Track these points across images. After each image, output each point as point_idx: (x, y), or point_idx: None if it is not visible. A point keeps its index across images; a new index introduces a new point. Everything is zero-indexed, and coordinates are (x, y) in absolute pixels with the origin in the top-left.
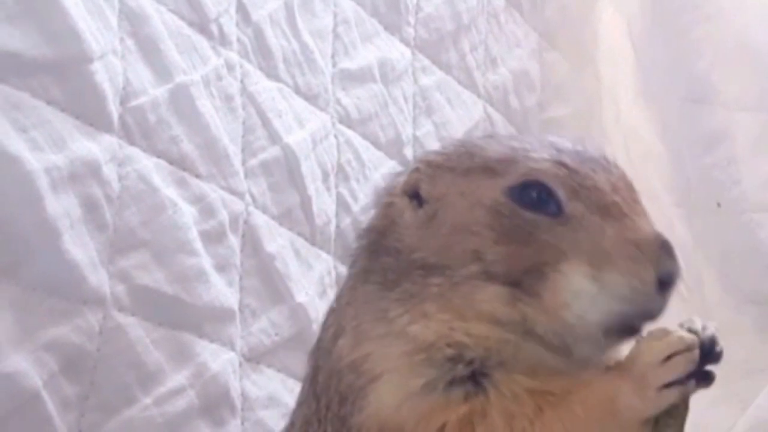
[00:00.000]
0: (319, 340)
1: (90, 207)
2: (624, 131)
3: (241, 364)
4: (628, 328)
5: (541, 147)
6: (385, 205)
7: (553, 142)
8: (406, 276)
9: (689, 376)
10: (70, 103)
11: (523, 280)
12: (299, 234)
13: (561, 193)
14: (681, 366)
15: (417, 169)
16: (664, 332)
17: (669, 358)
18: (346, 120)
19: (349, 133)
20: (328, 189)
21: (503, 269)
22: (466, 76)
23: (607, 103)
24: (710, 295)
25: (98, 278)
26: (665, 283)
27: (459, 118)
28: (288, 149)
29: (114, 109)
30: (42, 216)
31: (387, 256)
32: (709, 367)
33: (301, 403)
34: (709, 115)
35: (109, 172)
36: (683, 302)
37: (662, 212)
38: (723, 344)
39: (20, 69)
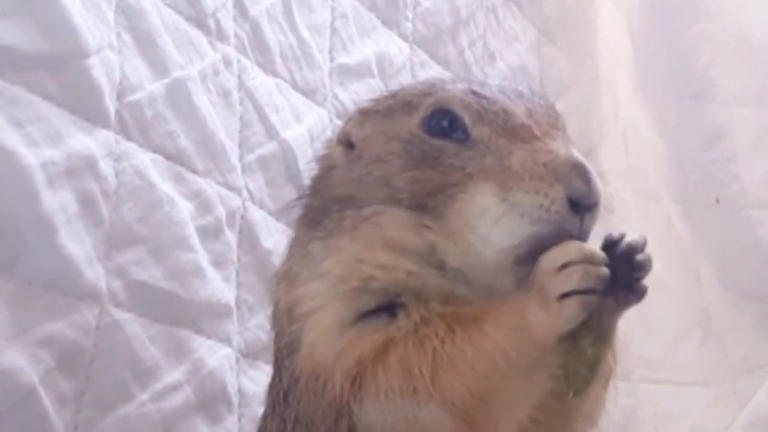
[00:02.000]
0: (269, 295)
1: (86, 202)
2: (623, 127)
3: (237, 360)
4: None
5: (462, 82)
6: (323, 156)
7: (481, 80)
8: (327, 213)
9: (592, 290)
10: (66, 98)
11: (428, 203)
12: None
13: (467, 118)
14: (576, 276)
15: (350, 118)
16: (569, 244)
17: (566, 267)
18: (343, 115)
19: None
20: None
21: (408, 193)
22: (465, 71)
23: (605, 98)
24: (709, 291)
25: (94, 274)
26: (578, 204)
27: None
28: (285, 144)
29: (110, 104)
30: (38, 211)
31: (316, 198)
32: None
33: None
34: (708, 112)
35: (106, 167)
36: (682, 299)
37: (661, 209)
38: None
39: (16, 64)
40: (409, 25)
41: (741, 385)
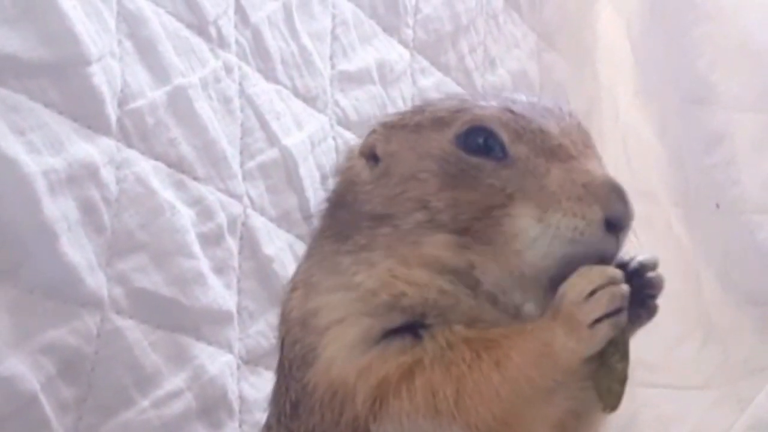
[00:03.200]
0: (281, 304)
1: (88, 210)
2: (623, 131)
3: (239, 367)
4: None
5: (493, 99)
6: (345, 168)
7: (508, 97)
8: (357, 229)
9: (619, 309)
10: (67, 105)
11: (471, 226)
12: (297, 236)
13: (504, 136)
14: (605, 300)
15: (373, 131)
16: (588, 268)
17: (593, 293)
18: (344, 122)
19: (348, 134)
20: (327, 191)
21: (449, 216)
22: (465, 77)
23: (606, 103)
24: (709, 295)
25: (96, 281)
26: (614, 226)
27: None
28: (286, 151)
29: (112, 111)
30: (39, 219)
31: (342, 212)
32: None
33: (275, 380)
34: (708, 116)
35: (107, 174)
36: (683, 303)
37: (661, 212)
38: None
39: (18, 71)
40: (410, 31)
41: (742, 388)
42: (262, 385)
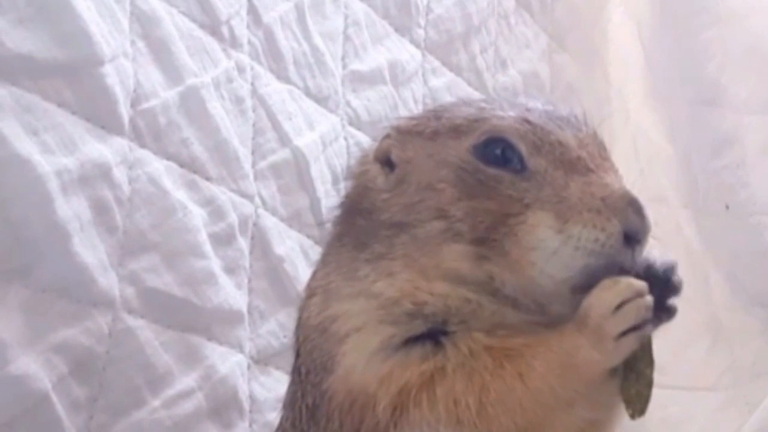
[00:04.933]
0: (298, 310)
1: (100, 209)
2: (633, 133)
3: (249, 367)
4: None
5: (509, 107)
6: (359, 173)
7: (524, 103)
8: (375, 237)
9: (645, 321)
10: (81, 105)
11: (489, 236)
12: (308, 236)
13: (523, 149)
14: (633, 313)
15: (388, 136)
16: (614, 281)
17: (620, 306)
18: (356, 122)
19: (359, 135)
20: (338, 191)
21: (467, 226)
22: (476, 77)
23: (616, 104)
24: (718, 297)
25: (108, 281)
26: (632, 238)
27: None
28: (298, 151)
29: (125, 111)
30: (52, 219)
31: (359, 219)
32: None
33: (289, 384)
34: (718, 118)
35: (120, 174)
36: (691, 304)
37: (670, 214)
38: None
39: (32, 71)
40: (422, 32)
41: (749, 390)
42: (272, 384)
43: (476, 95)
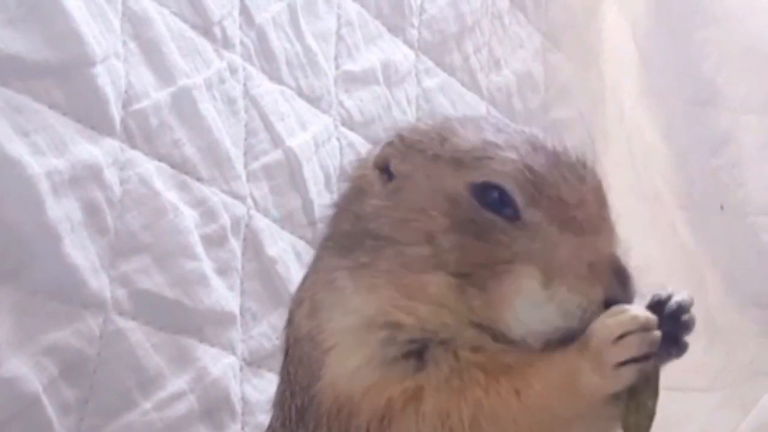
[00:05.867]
0: (289, 312)
1: (91, 211)
2: (628, 133)
3: (241, 368)
4: (570, 341)
5: (515, 144)
6: (357, 176)
7: (532, 140)
8: (360, 244)
9: (647, 355)
10: (72, 106)
11: (474, 272)
12: (301, 237)
13: (520, 199)
14: (634, 346)
15: (390, 143)
16: (620, 310)
17: (622, 337)
18: (348, 122)
19: (352, 135)
20: (331, 192)
21: (454, 258)
22: (470, 77)
23: (611, 104)
24: (714, 297)
25: (99, 282)
26: (611, 305)
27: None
28: (290, 152)
29: (116, 112)
30: (43, 220)
31: (346, 222)
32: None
33: (279, 383)
34: (714, 118)
35: (111, 175)
36: None
37: (666, 214)
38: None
39: (22, 72)
40: (415, 32)
41: (746, 391)
42: (264, 386)
43: (470, 96)
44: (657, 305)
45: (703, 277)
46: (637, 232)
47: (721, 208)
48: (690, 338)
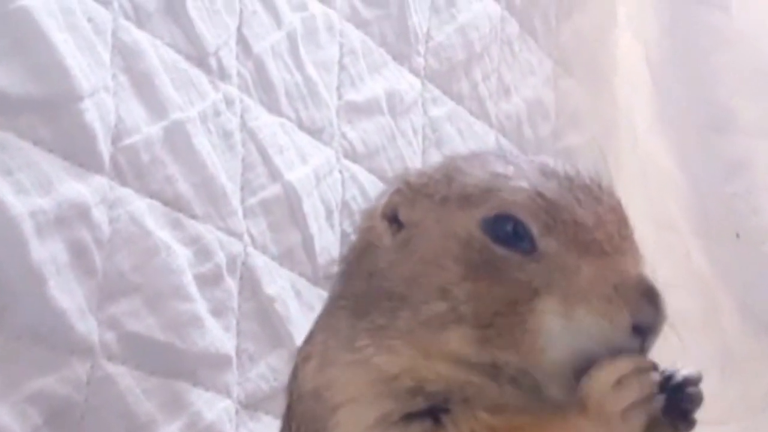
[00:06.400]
0: (293, 367)
1: (78, 252)
2: (641, 159)
3: (237, 412)
4: None
5: (525, 173)
6: (365, 228)
7: (542, 167)
8: (376, 306)
9: (650, 396)
10: (58, 143)
11: (495, 321)
12: (301, 274)
13: (534, 229)
14: (635, 387)
15: (398, 191)
16: (610, 359)
17: (620, 382)
18: (351, 154)
19: (355, 168)
20: (332, 227)
21: (471, 310)
22: (478, 106)
23: (624, 130)
24: (729, 326)
25: (86, 326)
26: (642, 330)
27: (470, 149)
28: (289, 186)
29: (105, 148)
30: (27, 262)
31: (360, 281)
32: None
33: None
34: (728, 143)
35: (99, 214)
36: (701, 334)
37: (681, 242)
38: (741, 384)
39: (6, 108)
40: (421, 60)
41: (764, 422)
42: (262, 430)
43: (479, 125)
44: (664, 380)
45: (719, 306)
46: (651, 259)
47: (737, 235)
48: (704, 368)
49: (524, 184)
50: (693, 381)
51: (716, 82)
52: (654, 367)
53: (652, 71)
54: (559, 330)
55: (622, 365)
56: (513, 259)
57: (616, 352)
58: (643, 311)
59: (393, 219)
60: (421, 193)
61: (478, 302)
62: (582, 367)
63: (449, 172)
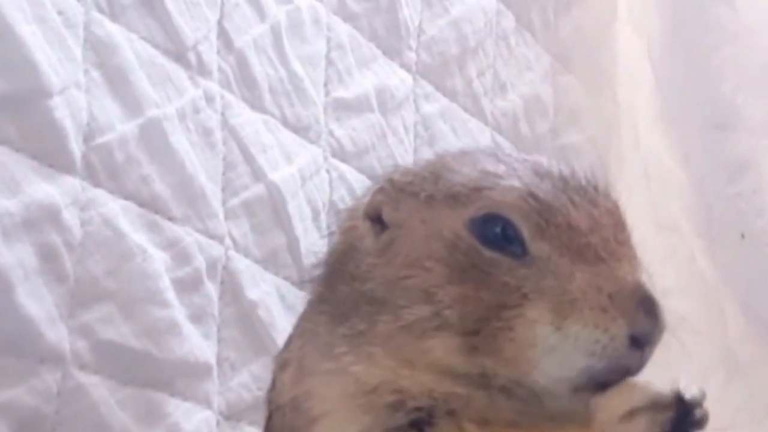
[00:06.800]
0: (272, 374)
1: (47, 256)
2: (643, 158)
3: (218, 423)
4: (600, 384)
5: (517, 173)
6: (347, 228)
7: (536, 167)
8: (356, 310)
9: None
10: (26, 142)
11: (482, 328)
12: (285, 278)
13: (525, 231)
14: (645, 424)
15: (381, 190)
16: (629, 386)
17: (631, 415)
18: (339, 153)
19: (343, 167)
20: (319, 228)
21: (456, 315)
22: (473, 102)
23: (625, 128)
24: (733, 329)
25: (57, 334)
26: (640, 341)
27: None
28: (273, 187)
29: (76, 147)
30: None
31: (341, 285)
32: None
33: None
34: (733, 142)
35: (70, 217)
36: (705, 337)
37: (683, 243)
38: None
39: None
40: (413, 54)
41: (767, 428)
42: None
43: (473, 122)
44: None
45: (723, 309)
46: (654, 261)
47: (742, 236)
48: (708, 373)
49: (516, 183)
50: (699, 402)
51: (721, 79)
52: (670, 404)
53: (654, 67)
54: (549, 341)
55: (637, 397)
56: (502, 262)
57: (612, 366)
58: (641, 321)
59: (376, 219)
60: (405, 191)
61: (464, 307)
62: (580, 384)
63: (436, 169)
